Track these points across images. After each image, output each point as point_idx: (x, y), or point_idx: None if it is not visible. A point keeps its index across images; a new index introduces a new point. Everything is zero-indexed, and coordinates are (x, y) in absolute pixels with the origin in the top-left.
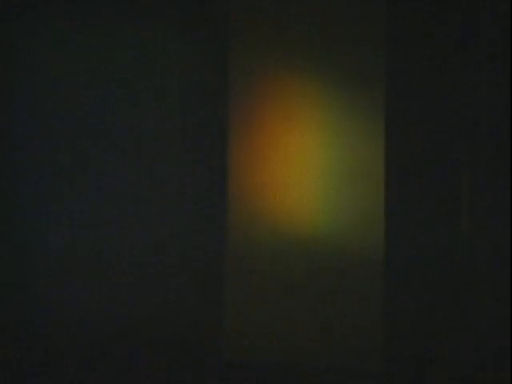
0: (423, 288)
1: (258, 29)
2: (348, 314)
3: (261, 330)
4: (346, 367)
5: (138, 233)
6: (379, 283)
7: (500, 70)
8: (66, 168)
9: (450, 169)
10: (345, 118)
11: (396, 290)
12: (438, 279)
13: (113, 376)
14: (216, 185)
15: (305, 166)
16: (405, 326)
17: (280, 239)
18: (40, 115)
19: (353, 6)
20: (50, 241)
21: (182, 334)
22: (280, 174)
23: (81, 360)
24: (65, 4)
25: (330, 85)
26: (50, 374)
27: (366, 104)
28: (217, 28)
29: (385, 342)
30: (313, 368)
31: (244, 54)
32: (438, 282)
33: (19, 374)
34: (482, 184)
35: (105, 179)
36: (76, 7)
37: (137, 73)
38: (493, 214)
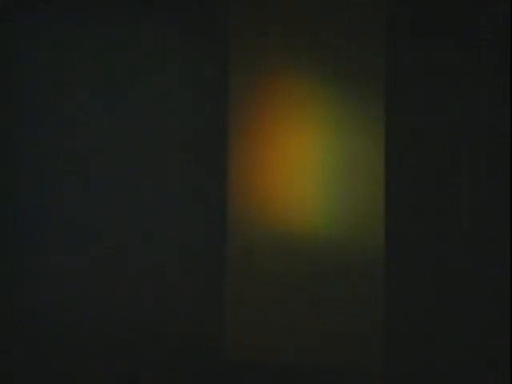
0: (423, 288)
1: (257, 28)
2: (348, 314)
3: (261, 329)
4: (346, 367)
5: (138, 233)
6: (379, 283)
7: (500, 69)
8: (66, 167)
9: (450, 169)
10: (345, 118)
11: (396, 290)
12: (438, 279)
13: (113, 376)
14: (216, 185)
15: (305, 165)
16: (405, 326)
17: (280, 239)
18: (40, 115)
19: (353, 6)
20: (50, 240)
21: (182, 333)
22: (280, 173)
23: (81, 360)
24: (65, 4)
25: (330, 85)
26: (50, 374)
27: (366, 104)
28: (217, 28)
29: (385, 342)
30: (313, 368)
31: (244, 54)
32: (437, 281)
33: (19, 374)
34: (482, 184)
35: (104, 179)
36: (76, 7)
37: (137, 73)
38: (493, 213)
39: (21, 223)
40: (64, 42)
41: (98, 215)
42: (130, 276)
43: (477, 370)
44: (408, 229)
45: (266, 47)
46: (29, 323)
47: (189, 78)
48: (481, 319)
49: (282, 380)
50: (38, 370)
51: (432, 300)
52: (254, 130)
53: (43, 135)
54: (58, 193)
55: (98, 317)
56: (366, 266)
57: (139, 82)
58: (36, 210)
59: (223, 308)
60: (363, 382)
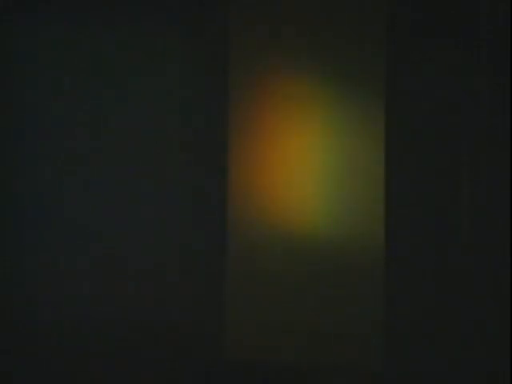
0: (423, 288)
1: (258, 29)
2: (348, 314)
3: (261, 329)
4: (345, 367)
5: (138, 233)
6: (379, 283)
7: (500, 70)
8: (67, 167)
9: (450, 169)
10: (345, 118)
11: (396, 290)
12: (438, 279)
13: (113, 376)
14: (216, 185)
15: (305, 165)
16: (405, 326)
17: (280, 239)
18: (40, 115)
19: (353, 6)
20: (49, 239)
21: (182, 333)
22: (280, 174)
23: (81, 360)
24: (65, 4)
25: (330, 85)
26: (50, 374)
27: (366, 104)
28: (217, 28)
29: (385, 342)
30: (313, 368)
31: (244, 54)
32: (437, 281)
33: (19, 374)
34: (482, 184)
35: (104, 179)
36: (76, 7)
37: (137, 73)
38: (493, 214)
39: (21, 223)
40: (64, 42)
41: (97, 215)
42: (130, 276)
43: (477, 370)
44: (408, 229)
45: (266, 47)
46: (29, 323)
47: (189, 78)
48: (481, 319)
49: (282, 380)
50: (38, 370)
51: (432, 300)
52: (254, 129)
53: (43, 135)
54: (58, 193)
55: (98, 317)
56: (365, 266)
57: (139, 82)
58: (36, 209)
59: (223, 308)
60: (363, 382)
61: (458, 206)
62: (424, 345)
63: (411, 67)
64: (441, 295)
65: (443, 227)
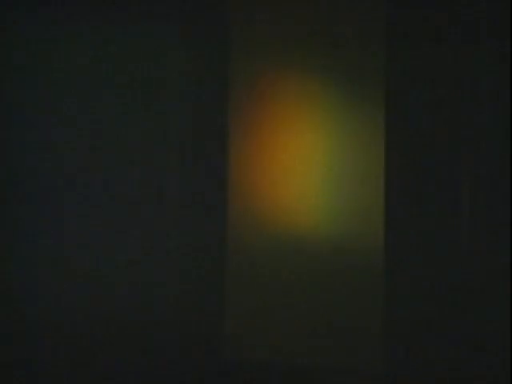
0: (423, 288)
1: (258, 29)
2: (348, 313)
3: (261, 329)
4: (346, 367)
5: (138, 233)
6: (379, 283)
7: (500, 69)
8: (66, 169)
9: (451, 169)
10: (345, 119)
11: (396, 290)
12: (438, 279)
13: (113, 376)
14: (216, 186)
15: (305, 165)
16: (405, 327)
17: (280, 239)
18: (40, 116)
19: (353, 6)
20: (49, 241)
21: (181, 333)
22: (280, 173)
23: (81, 360)
24: (65, 4)
25: (330, 86)
26: (51, 374)
27: (366, 104)
28: (217, 28)
29: (385, 342)
30: (313, 368)
31: (244, 54)
32: (437, 282)
33: (19, 375)
34: (482, 184)
35: (104, 180)
36: (76, 7)
37: (136, 74)
38: (493, 215)
39: (21, 223)
40: (64, 42)
41: (97, 215)
42: (130, 276)
43: (477, 369)
44: (408, 229)
45: (266, 47)
46: (29, 323)
47: (189, 77)
48: (481, 319)
49: (282, 380)
50: (37, 370)
51: (432, 300)
52: (254, 129)
53: (43, 136)
54: (58, 194)
55: (98, 317)
56: (366, 266)
57: (139, 84)
58: (36, 209)
59: (223, 308)
60: (363, 382)
61: (458, 206)
62: (424, 345)
63: (411, 67)
64: (441, 295)
65: (443, 227)
